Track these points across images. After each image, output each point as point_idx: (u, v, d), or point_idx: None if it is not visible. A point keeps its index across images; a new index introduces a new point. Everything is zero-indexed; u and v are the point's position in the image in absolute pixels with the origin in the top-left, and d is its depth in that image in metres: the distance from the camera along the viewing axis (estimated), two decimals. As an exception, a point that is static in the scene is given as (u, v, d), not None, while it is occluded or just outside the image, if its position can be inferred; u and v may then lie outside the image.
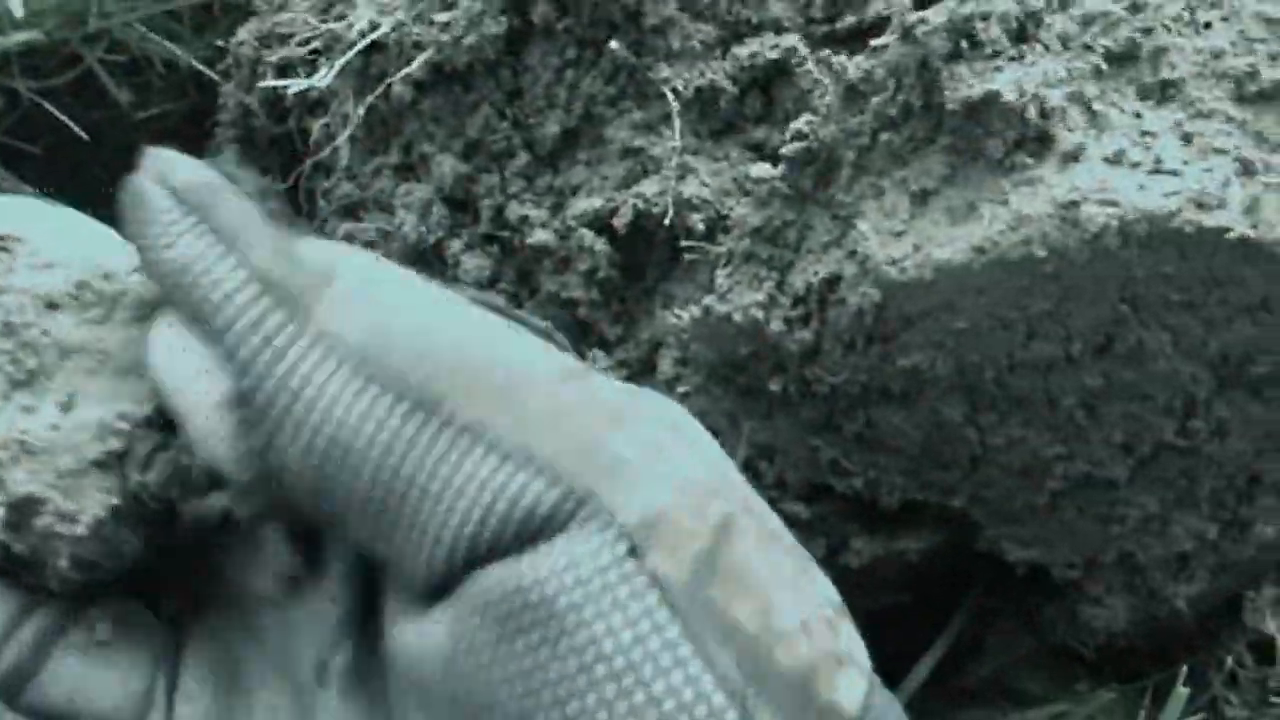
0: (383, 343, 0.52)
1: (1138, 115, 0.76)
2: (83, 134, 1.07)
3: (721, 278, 0.81)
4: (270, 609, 0.59)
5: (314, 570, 0.58)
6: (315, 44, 0.95)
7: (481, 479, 0.51)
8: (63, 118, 1.06)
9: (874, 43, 0.77)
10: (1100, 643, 0.92)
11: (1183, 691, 0.88)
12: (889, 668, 0.94)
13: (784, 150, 0.78)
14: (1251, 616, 0.99)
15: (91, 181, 1.13)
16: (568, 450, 0.51)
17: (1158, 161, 0.73)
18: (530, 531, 0.50)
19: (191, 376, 0.54)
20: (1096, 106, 0.75)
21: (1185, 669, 0.89)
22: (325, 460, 0.52)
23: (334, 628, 0.57)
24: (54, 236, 0.60)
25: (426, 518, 0.51)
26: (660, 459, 0.52)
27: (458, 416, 0.51)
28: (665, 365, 0.85)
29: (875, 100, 0.76)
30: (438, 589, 0.52)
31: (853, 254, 0.76)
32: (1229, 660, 0.99)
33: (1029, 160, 0.73)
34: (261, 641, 0.58)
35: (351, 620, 0.57)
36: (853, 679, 0.53)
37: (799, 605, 0.52)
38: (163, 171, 0.58)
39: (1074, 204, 0.72)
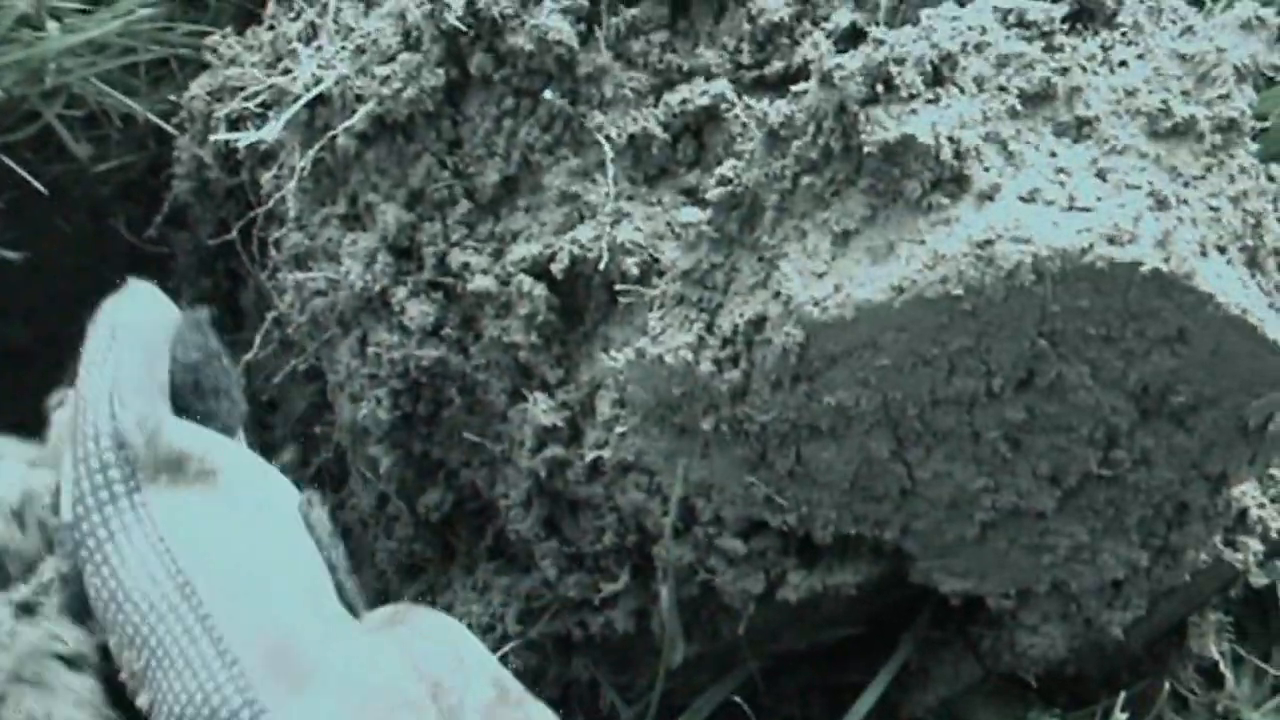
0: (187, 529, 0.60)
1: (1053, 154, 0.77)
2: (42, 189, 1.09)
3: (654, 320, 0.82)
4: None
5: None
6: (263, 97, 0.97)
7: (199, 670, 0.58)
8: (22, 173, 1.08)
9: (794, 88, 0.79)
10: (1044, 671, 0.93)
11: (1121, 717, 0.89)
12: (837, 699, 0.96)
13: (709, 195, 0.80)
14: (1197, 642, 1.00)
15: (53, 235, 1.15)
16: (264, 655, 0.58)
17: (1072, 199, 0.75)
18: None
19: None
20: (1012, 146, 0.77)
21: (1124, 695, 0.90)
22: (111, 602, 0.60)
23: None
24: None
25: (162, 690, 0.59)
26: (355, 672, 0.59)
27: (205, 602, 0.59)
28: (604, 407, 0.86)
29: (796, 144, 0.78)
30: None
31: (777, 295, 0.77)
32: (1178, 685, 1.01)
33: (945, 200, 0.75)
34: None
35: None
36: None
37: None
38: (121, 304, 0.66)
39: (989, 242, 0.73)
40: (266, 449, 1.12)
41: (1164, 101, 0.78)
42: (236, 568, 0.60)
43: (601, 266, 0.86)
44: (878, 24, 0.84)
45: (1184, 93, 0.80)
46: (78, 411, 0.62)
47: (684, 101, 0.88)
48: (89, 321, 0.66)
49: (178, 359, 0.65)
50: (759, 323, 0.78)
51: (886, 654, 0.96)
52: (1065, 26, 0.82)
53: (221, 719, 0.56)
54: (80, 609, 0.60)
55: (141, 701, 0.59)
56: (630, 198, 0.88)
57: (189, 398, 0.65)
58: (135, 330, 0.64)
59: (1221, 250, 0.77)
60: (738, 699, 0.93)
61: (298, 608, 0.60)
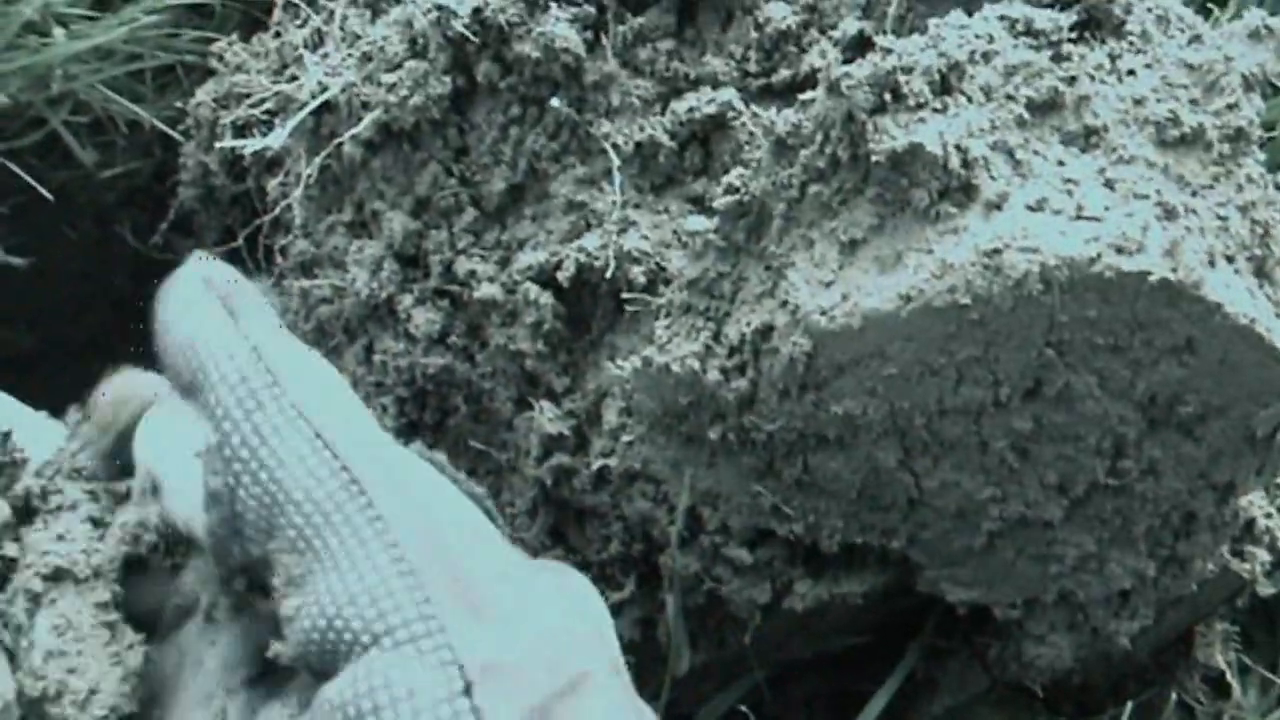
0: (343, 423, 0.58)
1: (1061, 163, 0.77)
2: (48, 194, 1.09)
3: (660, 329, 0.82)
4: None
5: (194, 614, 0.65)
6: (269, 105, 0.97)
7: (369, 575, 0.55)
8: (28, 179, 1.08)
9: (802, 97, 0.79)
10: (1051, 680, 0.93)
11: (1129, 727, 0.89)
12: (843, 708, 0.96)
13: (717, 204, 0.80)
14: (1203, 651, 1.00)
15: (58, 241, 1.15)
16: (444, 579, 0.55)
17: (1080, 208, 0.75)
18: (382, 635, 0.55)
19: (173, 442, 0.62)
20: (1020, 155, 0.77)
21: (1130, 705, 0.90)
22: (273, 506, 0.57)
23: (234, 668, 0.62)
24: None
25: (320, 591, 0.56)
26: (530, 612, 0.56)
27: (376, 505, 0.56)
28: (610, 415, 0.86)
29: (804, 153, 0.78)
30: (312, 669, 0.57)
31: (784, 304, 0.77)
32: (1184, 695, 1.00)
33: (953, 209, 0.75)
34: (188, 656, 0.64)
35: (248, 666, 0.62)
36: None
37: None
38: (199, 267, 0.65)
39: (996, 251, 0.73)
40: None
41: (1172, 111, 0.78)
42: (404, 475, 0.58)
43: (608, 275, 0.86)
44: (885, 33, 0.84)
45: (1192, 102, 0.79)
46: (184, 352, 0.61)
47: (691, 110, 0.88)
48: (154, 310, 0.66)
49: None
50: (766, 332, 0.78)
51: (893, 663, 0.96)
52: (1073, 36, 0.81)
53: (391, 624, 0.54)
54: (230, 531, 0.58)
55: (287, 607, 0.56)
56: (637, 206, 0.88)
57: None
58: (226, 280, 0.64)
59: (1229, 260, 0.76)
60: (744, 708, 0.93)
61: (466, 535, 0.57)
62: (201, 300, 0.62)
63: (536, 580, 0.58)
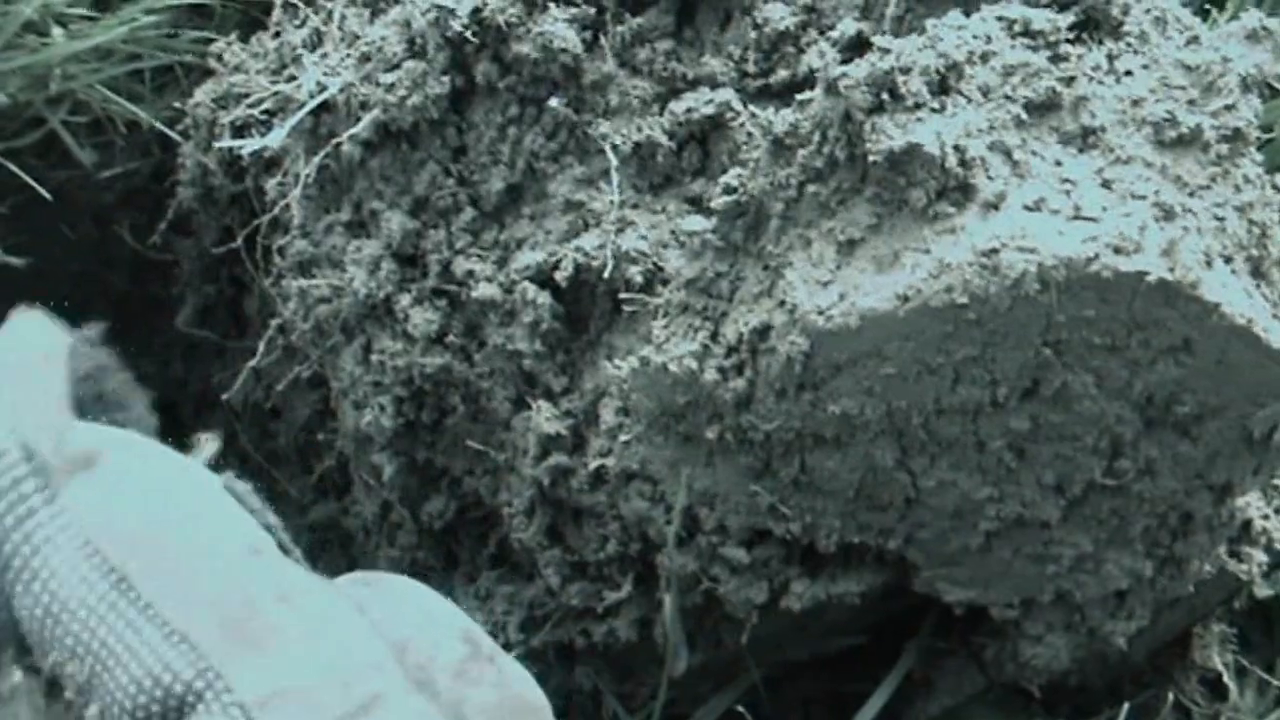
0: (112, 523, 0.57)
1: (1058, 163, 0.77)
2: (47, 194, 1.09)
3: (658, 329, 0.82)
4: None
5: None
6: (268, 105, 0.97)
7: (145, 656, 0.55)
8: (27, 178, 1.08)
9: (800, 97, 0.79)
10: (1048, 681, 0.93)
11: (1126, 728, 0.89)
12: (840, 709, 0.96)
13: (714, 204, 0.80)
14: (1200, 653, 1.00)
15: (56, 241, 1.15)
16: (214, 625, 0.55)
17: (1077, 208, 0.75)
18: (173, 709, 0.55)
19: None
20: (1017, 155, 0.77)
21: (1127, 706, 0.90)
22: (47, 617, 0.56)
23: None
24: None
25: (110, 689, 0.56)
26: (317, 632, 0.56)
27: (144, 592, 0.56)
28: (608, 415, 0.86)
29: (801, 153, 0.78)
30: None
31: (782, 304, 0.77)
32: (1181, 696, 1.00)
33: (951, 209, 0.75)
34: None
35: None
36: None
37: None
38: (6, 333, 0.62)
39: (994, 251, 0.73)
40: (270, 458, 1.12)
41: (1169, 111, 0.78)
42: (172, 548, 0.57)
43: (606, 275, 0.86)
44: (883, 33, 0.84)
45: (1189, 102, 0.80)
46: None
47: (689, 110, 0.88)
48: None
49: (75, 372, 0.64)
50: (764, 331, 0.78)
51: (889, 663, 0.96)
52: (1071, 36, 0.81)
53: (176, 693, 0.54)
54: (13, 638, 0.58)
55: (91, 714, 0.56)
56: (635, 206, 0.88)
57: (93, 409, 0.65)
58: (25, 354, 0.62)
59: (1227, 260, 0.76)
60: (740, 708, 0.93)
61: (245, 571, 0.57)
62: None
63: (324, 602, 0.58)
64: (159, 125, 1.10)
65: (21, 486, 0.57)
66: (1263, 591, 0.98)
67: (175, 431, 1.14)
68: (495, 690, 0.61)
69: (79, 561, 0.56)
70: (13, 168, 1.08)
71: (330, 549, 1.13)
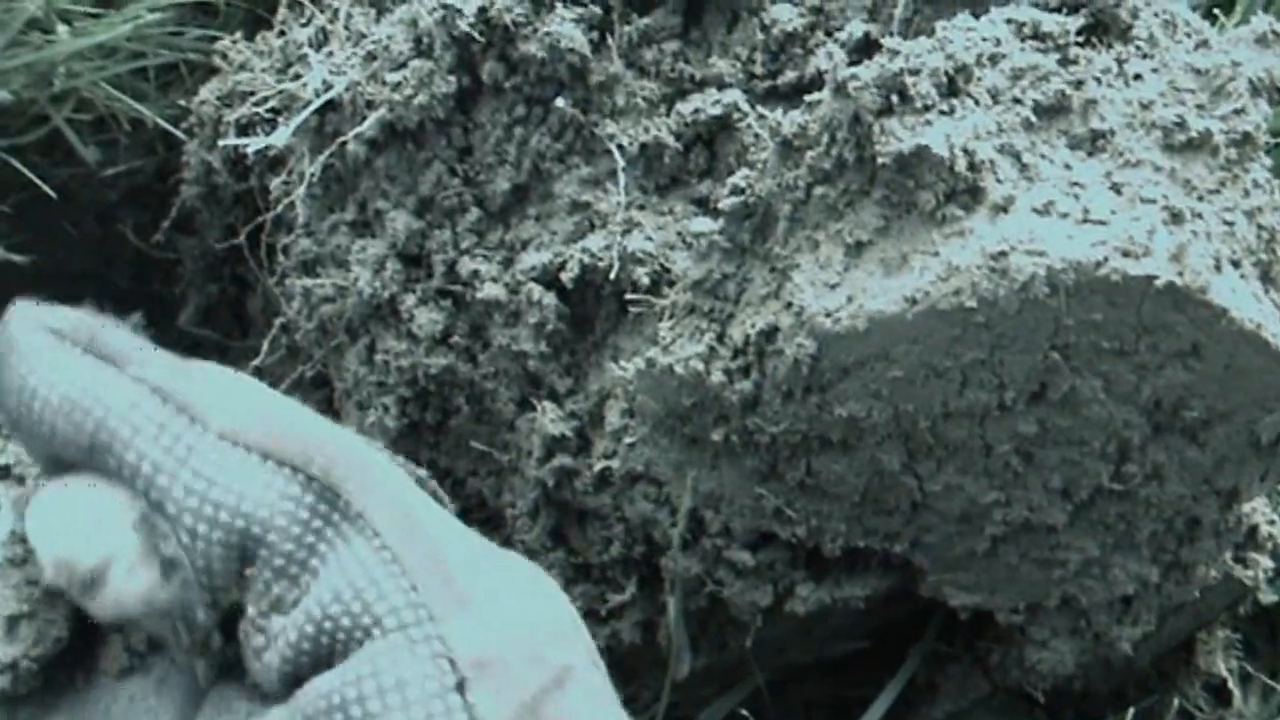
0: (284, 432, 0.56)
1: (1067, 166, 0.77)
2: (51, 192, 1.09)
3: (664, 330, 0.82)
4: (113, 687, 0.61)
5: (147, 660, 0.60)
6: (273, 103, 0.97)
7: (341, 575, 0.54)
8: (31, 176, 1.08)
9: (808, 99, 0.79)
10: (1052, 686, 0.93)
11: (1130, 733, 0.89)
12: (843, 713, 0.96)
13: (722, 205, 0.80)
14: (1205, 659, 1.00)
15: (60, 239, 1.14)
16: (428, 566, 0.54)
17: (1086, 211, 0.75)
18: (360, 629, 0.53)
19: (84, 523, 0.57)
20: (1026, 158, 0.77)
21: (1131, 712, 0.90)
22: (244, 540, 0.55)
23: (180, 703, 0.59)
24: None
25: (313, 597, 0.54)
26: (511, 603, 0.54)
27: (351, 506, 0.55)
28: (613, 417, 0.86)
29: (809, 155, 0.77)
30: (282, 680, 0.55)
31: (789, 306, 0.77)
32: (1185, 702, 1.00)
33: (959, 212, 0.75)
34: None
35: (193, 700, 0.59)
36: None
37: None
38: (38, 317, 0.60)
39: (1002, 254, 0.73)
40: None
41: (1179, 115, 0.78)
42: (367, 466, 0.56)
43: (612, 276, 0.85)
44: (892, 34, 0.84)
45: (1199, 106, 0.79)
46: (69, 417, 0.57)
47: (696, 111, 0.88)
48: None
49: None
50: (771, 333, 0.78)
51: (894, 668, 0.96)
52: (1080, 39, 0.81)
53: (380, 617, 0.52)
54: (196, 594, 0.56)
55: (274, 625, 0.54)
56: (641, 207, 0.88)
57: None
58: (80, 324, 0.59)
59: (1236, 265, 0.76)
60: (744, 712, 0.93)
61: (437, 522, 0.56)
62: (62, 354, 0.58)
63: (507, 568, 0.56)
64: (163, 123, 1.10)
65: (171, 426, 0.56)
66: (1268, 597, 0.98)
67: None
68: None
69: (264, 477, 0.55)
70: (16, 165, 1.08)
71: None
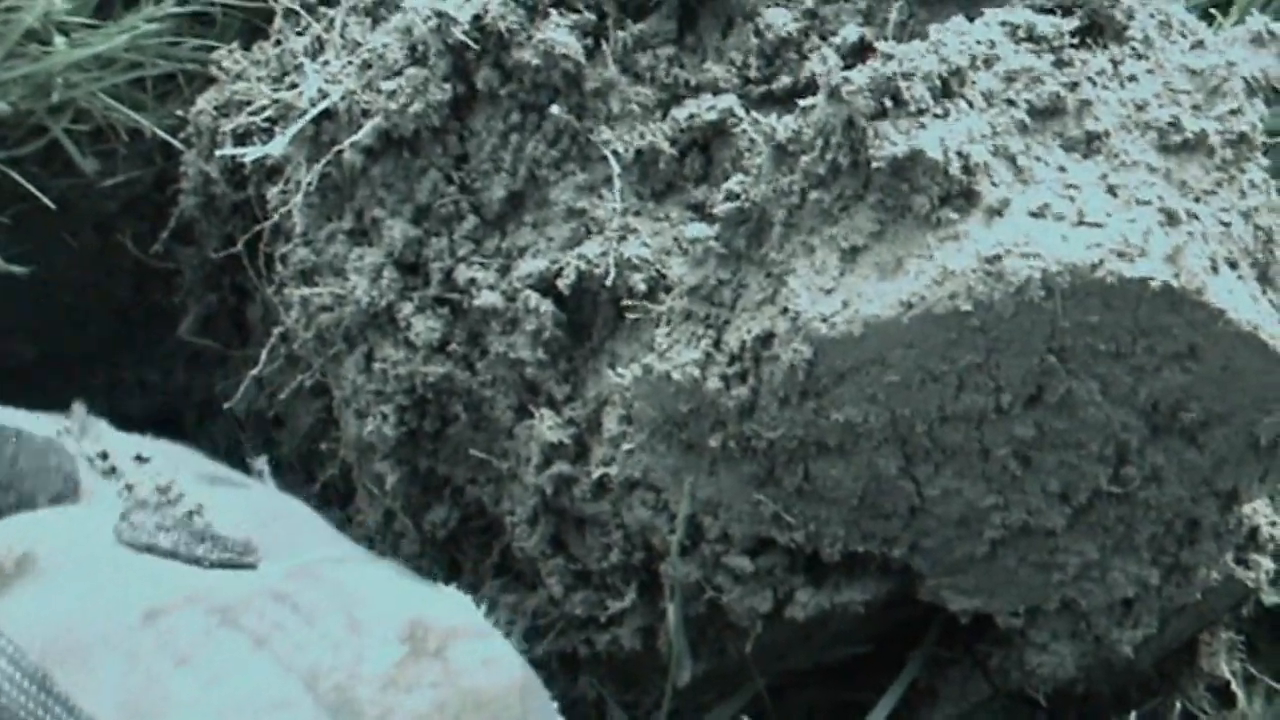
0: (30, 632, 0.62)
1: (1062, 169, 0.77)
2: (50, 203, 1.09)
3: (661, 336, 0.82)
4: None
5: None
6: (270, 112, 0.97)
7: None
8: (29, 187, 1.08)
9: (802, 103, 0.79)
10: (1054, 689, 0.92)
11: (1130, 736, 0.89)
12: (848, 716, 0.95)
13: (717, 210, 0.80)
14: (1208, 660, 0.99)
15: (59, 250, 1.14)
16: (114, 709, 0.59)
17: (1081, 214, 0.75)
18: None
19: None
20: (1021, 161, 0.76)
21: (1134, 714, 0.89)
22: None
23: None
24: None
25: None
26: (216, 689, 0.59)
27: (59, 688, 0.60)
28: (611, 423, 0.86)
29: (804, 160, 0.77)
30: None
31: (785, 311, 0.77)
32: (1189, 704, 1.00)
33: (954, 215, 0.75)
34: None
35: None
36: None
37: None
38: None
39: (998, 258, 0.73)
40: (273, 467, 1.12)
41: (1174, 116, 0.78)
42: (77, 641, 0.60)
43: (608, 282, 0.85)
44: (886, 39, 0.83)
45: (1194, 107, 0.79)
46: None
47: (691, 116, 0.87)
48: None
49: None
50: (767, 339, 0.78)
51: (894, 672, 0.96)
52: (1075, 41, 0.81)
53: None
54: None
55: None
56: (637, 213, 0.87)
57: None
58: None
59: (1232, 266, 0.76)
60: (745, 718, 0.93)
61: (141, 643, 0.60)
62: None
63: (223, 653, 0.62)
64: (161, 133, 1.10)
65: None
66: (1270, 599, 0.97)
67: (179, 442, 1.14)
68: (434, 690, 0.61)
69: (5, 666, 0.59)
70: (15, 176, 1.08)
71: (334, 558, 1.13)
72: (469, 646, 0.63)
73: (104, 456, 0.72)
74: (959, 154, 0.75)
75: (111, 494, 0.70)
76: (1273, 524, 0.91)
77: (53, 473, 0.69)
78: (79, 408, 0.74)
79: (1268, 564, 0.92)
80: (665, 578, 0.87)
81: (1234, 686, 1.00)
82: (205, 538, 0.67)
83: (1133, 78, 0.81)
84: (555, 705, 0.69)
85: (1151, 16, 0.83)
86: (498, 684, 0.63)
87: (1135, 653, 0.88)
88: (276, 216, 0.97)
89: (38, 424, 0.73)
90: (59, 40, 1.07)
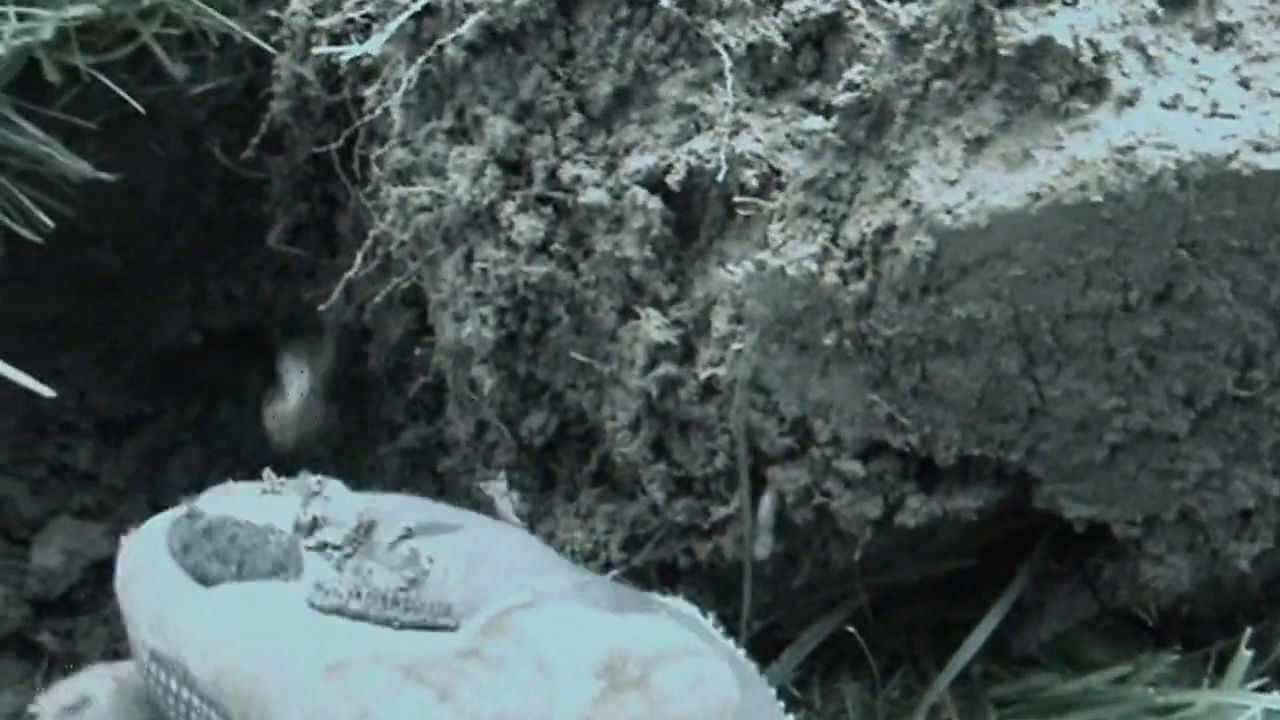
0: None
1: (1194, 60, 0.75)
2: (140, 109, 1.08)
3: (775, 232, 0.80)
4: None
5: None
6: (368, 9, 0.95)
7: None
8: (120, 92, 1.07)
9: (925, -10, 0.77)
10: (1163, 607, 0.91)
11: (1246, 654, 0.87)
12: (945, 635, 0.94)
13: (836, 101, 0.78)
14: (1318, 583, 0.97)
15: (147, 158, 1.13)
16: None
17: (1215, 105, 0.73)
18: None
19: None
20: (1152, 51, 0.74)
21: (1249, 632, 0.87)
22: None
23: None
24: None
25: None
26: None
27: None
28: (720, 323, 0.84)
29: (928, 48, 0.75)
30: None
31: (906, 203, 0.75)
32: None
33: (1084, 105, 0.73)
34: None
35: None
36: None
37: None
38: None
39: (1130, 148, 0.71)
40: (359, 380, 1.11)
41: (1311, 7, 0.76)
42: (260, 693, 0.63)
43: (719, 179, 0.83)
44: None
45: (1331, -2, 0.77)
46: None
47: (806, 10, 0.85)
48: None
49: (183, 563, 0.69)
50: (887, 232, 0.76)
51: (996, 591, 0.94)
52: (1207, -71, 0.79)
53: None
54: None
55: None
56: (749, 109, 0.86)
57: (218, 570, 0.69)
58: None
59: (1370, 162, 0.74)
60: (850, 628, 0.91)
61: (328, 704, 0.62)
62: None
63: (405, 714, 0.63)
64: (253, 38, 1.08)
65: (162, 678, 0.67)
66: (1386, 519, 0.95)
67: (263, 356, 1.13)
68: None
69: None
70: (105, 81, 1.07)
71: (420, 474, 1.12)
72: (675, 670, 0.62)
73: (314, 526, 0.72)
74: (1089, 42, 0.73)
75: (320, 566, 0.70)
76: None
77: (272, 547, 0.70)
78: (305, 478, 0.75)
79: (1390, 480, 0.89)
80: (771, 483, 0.85)
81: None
82: (397, 601, 0.66)
83: (1266, -32, 0.78)
84: (782, 705, 0.68)
85: (1286, -95, 0.81)
86: (708, 707, 0.62)
87: (1250, 568, 0.86)
88: (372, 117, 0.96)
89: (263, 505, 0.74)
90: (151, -58, 1.06)
